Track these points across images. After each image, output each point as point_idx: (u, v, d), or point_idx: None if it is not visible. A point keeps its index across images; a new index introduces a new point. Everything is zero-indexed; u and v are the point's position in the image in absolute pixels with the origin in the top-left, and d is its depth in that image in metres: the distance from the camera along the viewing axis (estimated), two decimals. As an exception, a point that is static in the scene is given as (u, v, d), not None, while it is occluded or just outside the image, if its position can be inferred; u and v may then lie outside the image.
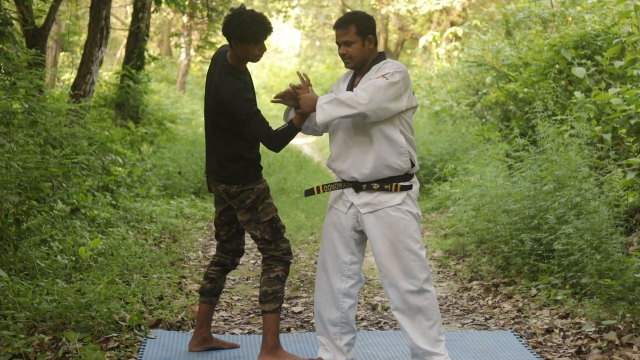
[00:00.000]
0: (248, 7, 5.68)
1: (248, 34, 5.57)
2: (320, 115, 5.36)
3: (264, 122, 5.57)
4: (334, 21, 39.19)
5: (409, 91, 5.47)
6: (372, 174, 5.50)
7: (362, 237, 5.70)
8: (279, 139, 5.60)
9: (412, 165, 5.52)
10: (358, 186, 5.55)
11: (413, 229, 5.50)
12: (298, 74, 5.66)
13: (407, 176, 5.54)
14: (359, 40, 5.51)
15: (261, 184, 5.81)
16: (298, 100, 5.54)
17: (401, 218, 5.48)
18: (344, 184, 5.63)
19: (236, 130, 5.69)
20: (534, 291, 7.93)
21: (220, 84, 5.63)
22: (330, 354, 5.71)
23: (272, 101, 5.63)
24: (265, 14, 34.79)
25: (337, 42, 5.55)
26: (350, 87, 5.61)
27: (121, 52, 28.32)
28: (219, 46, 26.93)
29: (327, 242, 5.70)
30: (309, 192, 5.78)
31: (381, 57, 5.61)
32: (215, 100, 5.66)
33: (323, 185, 5.70)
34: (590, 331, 6.61)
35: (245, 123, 5.58)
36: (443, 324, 6.92)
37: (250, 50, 5.64)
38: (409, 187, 5.53)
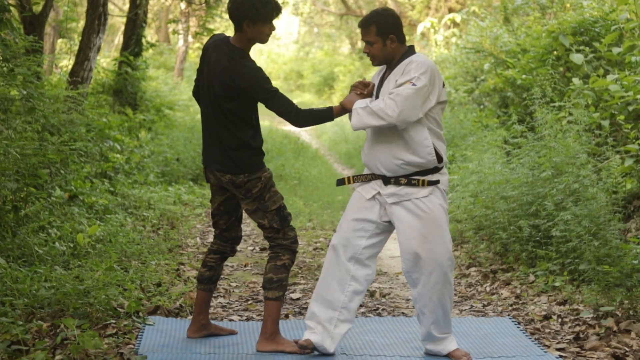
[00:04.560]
0: None
1: (263, 13, 5.57)
2: (355, 120, 5.49)
3: (287, 98, 5.61)
4: (332, 7, 39.22)
5: (438, 87, 5.51)
6: (400, 171, 5.55)
7: (384, 227, 5.72)
8: (310, 117, 5.64)
9: (440, 160, 5.56)
10: (386, 180, 5.60)
11: (443, 221, 5.56)
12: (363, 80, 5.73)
13: (435, 169, 5.57)
14: (379, 41, 5.54)
15: (267, 172, 5.80)
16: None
17: (430, 210, 5.53)
18: (373, 176, 5.67)
19: (246, 114, 5.68)
20: (532, 278, 7.94)
21: (235, 68, 5.58)
22: (318, 336, 5.67)
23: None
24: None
25: (362, 40, 5.64)
26: (381, 82, 5.65)
27: (119, 39, 28.29)
28: (217, 32, 26.91)
29: (345, 224, 5.71)
30: (341, 182, 5.82)
31: (410, 51, 5.61)
32: (226, 86, 5.60)
33: (354, 176, 5.76)
34: (588, 317, 6.62)
35: (269, 101, 5.58)
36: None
37: (262, 30, 5.63)
38: (437, 182, 5.58)
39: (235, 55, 5.63)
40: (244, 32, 5.64)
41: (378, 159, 5.59)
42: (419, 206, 5.53)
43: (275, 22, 5.72)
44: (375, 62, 5.65)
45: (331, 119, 5.67)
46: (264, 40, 5.71)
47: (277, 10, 5.65)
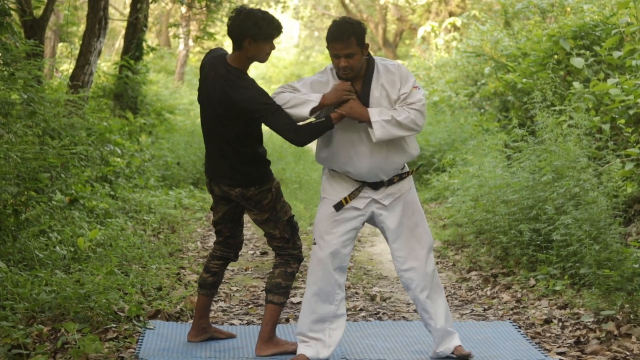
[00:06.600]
0: (246, 0, 5.63)
1: (266, 32, 5.48)
2: (381, 132, 5.38)
3: (288, 116, 5.46)
4: (332, 11, 39.12)
5: None
6: (394, 172, 5.65)
7: (359, 230, 5.78)
8: (310, 134, 5.49)
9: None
10: (378, 184, 5.64)
11: (421, 208, 5.78)
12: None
13: None
14: (359, 51, 5.42)
15: (276, 182, 5.78)
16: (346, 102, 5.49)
17: (415, 201, 5.73)
18: (362, 186, 5.66)
19: (248, 132, 5.62)
20: (532, 282, 7.94)
21: (232, 89, 5.48)
22: (313, 349, 5.65)
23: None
24: (264, 4, 34.56)
25: (335, 55, 5.41)
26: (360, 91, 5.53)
27: (119, 43, 28.32)
28: (217, 37, 26.90)
29: (331, 237, 5.64)
30: (340, 206, 5.64)
31: (371, 58, 5.59)
32: (225, 106, 5.52)
33: (349, 195, 5.64)
34: (589, 321, 6.62)
35: (268, 116, 5.45)
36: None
37: (263, 49, 5.54)
38: (421, 165, 5.78)
39: (232, 75, 5.53)
40: (244, 50, 5.55)
41: (379, 167, 5.57)
42: (407, 199, 5.69)
43: (275, 41, 5.63)
44: (352, 74, 5.46)
45: (332, 127, 5.50)
46: (263, 59, 5.60)
47: (278, 29, 5.56)
